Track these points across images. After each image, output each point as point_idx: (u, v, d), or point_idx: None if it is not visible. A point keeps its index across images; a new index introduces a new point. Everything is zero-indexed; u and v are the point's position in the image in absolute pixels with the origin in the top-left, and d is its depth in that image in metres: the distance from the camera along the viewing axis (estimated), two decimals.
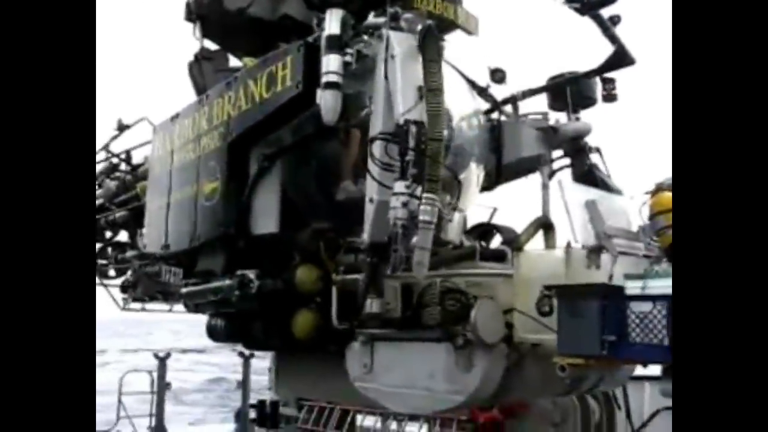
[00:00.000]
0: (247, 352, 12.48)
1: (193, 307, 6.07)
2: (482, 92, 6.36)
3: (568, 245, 3.95)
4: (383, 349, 4.50)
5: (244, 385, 13.12)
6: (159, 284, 7.34)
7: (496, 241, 5.65)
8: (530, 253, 4.14)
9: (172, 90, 6.97)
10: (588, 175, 5.86)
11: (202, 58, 6.92)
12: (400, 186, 3.87)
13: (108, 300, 8.96)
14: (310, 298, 5.20)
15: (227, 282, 5.22)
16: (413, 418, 11.86)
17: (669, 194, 4.19)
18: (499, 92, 6.42)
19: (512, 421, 10.31)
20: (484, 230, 5.56)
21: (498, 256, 5.10)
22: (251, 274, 5.08)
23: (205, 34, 6.93)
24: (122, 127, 7.84)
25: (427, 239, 3.77)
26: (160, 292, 8.05)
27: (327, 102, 4.44)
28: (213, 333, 6.33)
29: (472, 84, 6.24)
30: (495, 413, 10.44)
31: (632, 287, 3.39)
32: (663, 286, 3.27)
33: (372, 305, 4.19)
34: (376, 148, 4.14)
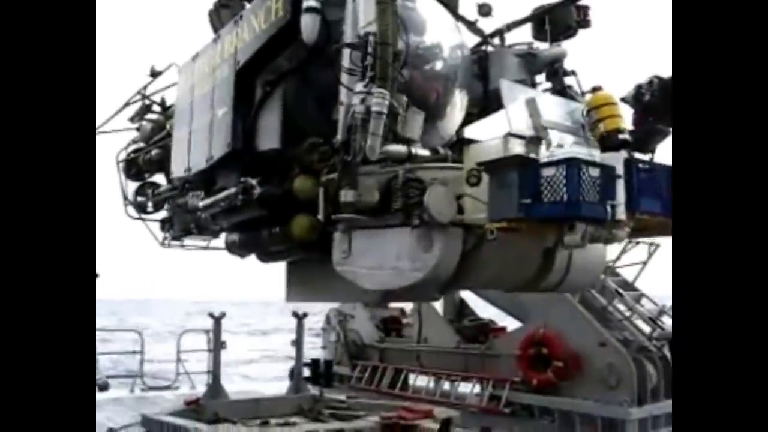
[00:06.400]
0: (300, 311, 12.50)
1: (211, 221, 6.91)
2: (471, 26, 6.95)
3: (507, 134, 4.56)
4: (359, 237, 5.23)
5: (297, 344, 13.39)
6: (191, 215, 8.19)
7: None
8: (476, 144, 4.75)
9: (198, 37, 7.81)
10: (562, 95, 6.38)
11: (220, 6, 7.74)
12: (359, 86, 4.60)
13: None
14: (308, 204, 5.95)
15: (233, 189, 6.03)
16: (466, 378, 12.02)
17: (602, 93, 4.76)
18: (486, 25, 7.01)
19: (567, 383, 10.48)
20: (462, 145, 6.16)
21: None
22: (253, 181, 5.87)
23: None
24: (155, 73, 8.74)
25: (379, 126, 4.49)
26: (195, 225, 8.94)
27: (306, 24, 5.21)
28: (230, 247, 7.19)
29: (461, 19, 6.83)
30: (549, 375, 10.52)
31: (543, 156, 4.00)
32: (564, 152, 3.88)
33: (346, 195, 4.91)
34: (344, 56, 4.85)
